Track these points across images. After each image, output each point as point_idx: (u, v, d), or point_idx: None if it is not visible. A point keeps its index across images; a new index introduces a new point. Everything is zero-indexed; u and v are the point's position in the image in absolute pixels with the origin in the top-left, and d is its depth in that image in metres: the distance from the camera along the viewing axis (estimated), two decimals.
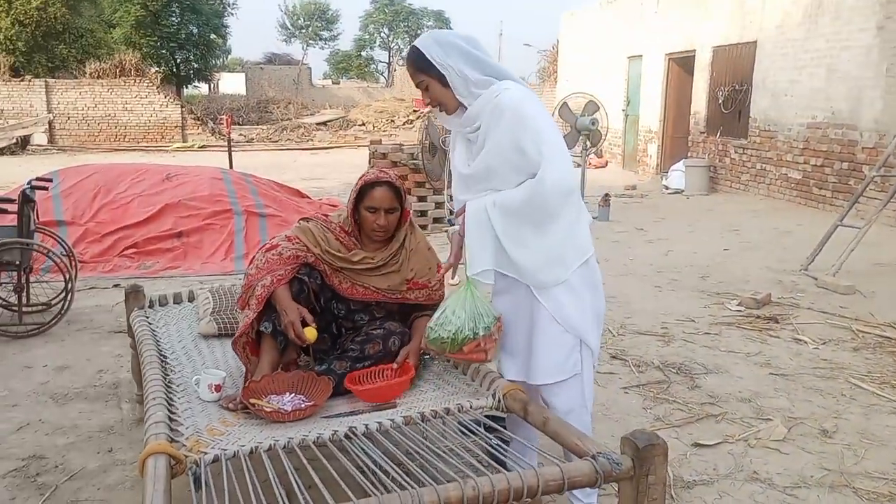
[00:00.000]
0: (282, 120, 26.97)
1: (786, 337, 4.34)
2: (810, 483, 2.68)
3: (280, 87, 34.06)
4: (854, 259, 5.65)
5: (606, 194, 8.98)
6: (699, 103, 12.29)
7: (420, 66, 2.21)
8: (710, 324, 4.58)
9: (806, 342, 4.22)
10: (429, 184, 7.35)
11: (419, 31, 48.71)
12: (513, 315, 2.31)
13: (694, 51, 12.29)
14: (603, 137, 9.39)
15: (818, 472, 2.76)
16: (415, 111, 26.65)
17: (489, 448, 2.16)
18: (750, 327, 4.50)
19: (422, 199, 8.05)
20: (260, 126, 25.98)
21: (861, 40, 8.58)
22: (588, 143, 9.13)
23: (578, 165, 10.81)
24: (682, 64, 12.88)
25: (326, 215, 2.75)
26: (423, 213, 8.00)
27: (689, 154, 12.45)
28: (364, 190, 2.59)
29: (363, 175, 2.68)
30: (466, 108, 2.23)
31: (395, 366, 2.50)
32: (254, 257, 2.63)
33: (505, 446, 2.16)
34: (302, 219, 2.75)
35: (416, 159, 7.94)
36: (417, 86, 2.26)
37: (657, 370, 3.81)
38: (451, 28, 48.93)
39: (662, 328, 4.53)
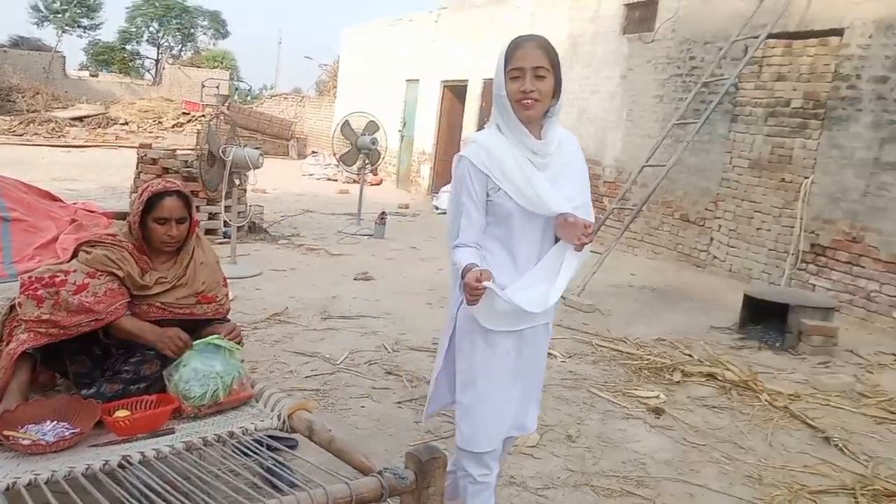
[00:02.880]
0: (28, 111, 24.14)
1: None
2: (557, 483, 3.04)
3: (27, 75, 30.33)
4: (594, 281, 6.41)
5: (383, 212, 9.23)
6: (469, 129, 13.10)
7: (553, 59, 2.13)
8: None
9: (556, 356, 4.72)
10: (205, 193, 7.07)
11: (192, 31, 46.34)
12: (528, 365, 2.32)
13: (467, 80, 13.10)
14: (382, 157, 9.69)
15: (564, 473, 3.13)
16: (185, 113, 25.29)
17: (271, 468, 2.20)
18: None
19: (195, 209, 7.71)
20: (1, 116, 23.05)
21: (607, 87, 9.75)
22: (367, 161, 9.37)
23: (356, 182, 11.03)
24: (456, 91, 13.66)
25: (114, 234, 2.58)
26: None
27: None
28: (153, 201, 2.52)
29: (147, 185, 2.60)
30: (536, 129, 2.19)
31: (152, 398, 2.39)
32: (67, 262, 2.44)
33: (284, 466, 2.21)
34: (86, 245, 2.52)
35: (189, 167, 7.61)
36: (535, 69, 2.09)
37: (429, 385, 4.04)
38: (227, 30, 47.14)
39: (433, 344, 4.80)
